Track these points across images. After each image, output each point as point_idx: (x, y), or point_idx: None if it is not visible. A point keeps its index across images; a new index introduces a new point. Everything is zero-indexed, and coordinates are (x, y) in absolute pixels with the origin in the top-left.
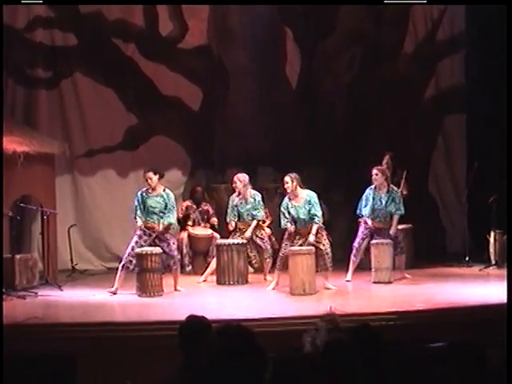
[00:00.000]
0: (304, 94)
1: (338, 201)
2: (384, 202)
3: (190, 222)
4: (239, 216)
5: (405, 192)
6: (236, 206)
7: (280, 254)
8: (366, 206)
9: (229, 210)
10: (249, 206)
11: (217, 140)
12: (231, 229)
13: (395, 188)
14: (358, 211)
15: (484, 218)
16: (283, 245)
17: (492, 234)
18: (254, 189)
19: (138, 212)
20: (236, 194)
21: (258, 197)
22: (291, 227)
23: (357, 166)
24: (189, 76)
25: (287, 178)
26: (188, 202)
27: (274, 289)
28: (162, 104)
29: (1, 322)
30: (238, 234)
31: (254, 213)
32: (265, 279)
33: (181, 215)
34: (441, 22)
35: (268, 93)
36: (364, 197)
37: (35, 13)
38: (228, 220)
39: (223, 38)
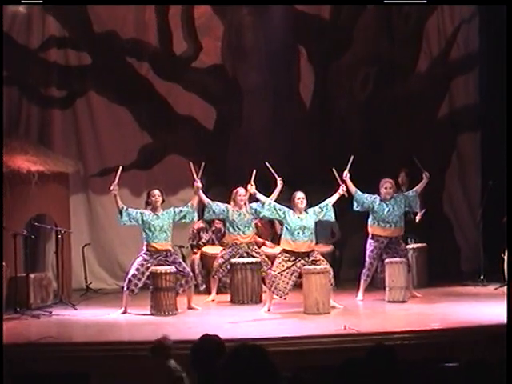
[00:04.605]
0: (318, 112)
1: (352, 218)
2: (391, 208)
3: (201, 243)
4: (236, 229)
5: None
6: (234, 220)
7: (275, 273)
8: (358, 206)
9: (227, 224)
10: (247, 218)
11: (231, 158)
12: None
13: (399, 195)
14: (355, 205)
15: (499, 237)
16: (278, 265)
17: (507, 252)
18: None
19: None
20: (232, 207)
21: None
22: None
23: (370, 184)
24: (203, 95)
25: (303, 194)
26: (200, 223)
27: (269, 310)
28: (176, 123)
29: (1, 339)
30: (232, 247)
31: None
32: (265, 292)
33: (191, 240)
34: (455, 40)
35: (282, 111)
36: (368, 198)
37: (49, 33)
38: (227, 234)
39: (237, 57)
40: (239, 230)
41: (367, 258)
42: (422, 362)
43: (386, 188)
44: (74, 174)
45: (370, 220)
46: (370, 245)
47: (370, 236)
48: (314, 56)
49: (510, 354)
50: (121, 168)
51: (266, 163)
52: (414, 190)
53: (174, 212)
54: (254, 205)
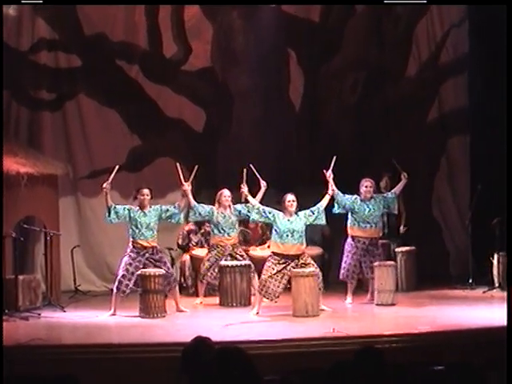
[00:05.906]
0: (307, 115)
1: (340, 222)
2: (372, 208)
3: (191, 244)
4: (221, 231)
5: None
6: (219, 222)
7: (265, 277)
8: (340, 207)
9: (212, 226)
10: (231, 220)
11: (220, 161)
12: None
13: (379, 195)
14: (336, 207)
15: (487, 240)
16: (268, 268)
17: (495, 256)
18: None
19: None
20: (217, 209)
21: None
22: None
23: (359, 188)
24: (192, 98)
25: (293, 197)
26: (190, 226)
27: (258, 313)
28: (166, 126)
29: (0, 343)
30: (218, 249)
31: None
32: (253, 294)
33: (180, 241)
34: (444, 44)
35: (272, 115)
36: (349, 199)
37: (39, 35)
38: (212, 236)
39: (227, 60)
40: (224, 231)
41: (349, 260)
42: (410, 365)
43: (366, 187)
44: (64, 177)
45: (349, 221)
46: (352, 246)
47: (349, 238)
48: (304, 59)
49: (510, 354)
50: (117, 167)
51: (251, 165)
52: (392, 191)
53: (161, 209)
54: (239, 206)
